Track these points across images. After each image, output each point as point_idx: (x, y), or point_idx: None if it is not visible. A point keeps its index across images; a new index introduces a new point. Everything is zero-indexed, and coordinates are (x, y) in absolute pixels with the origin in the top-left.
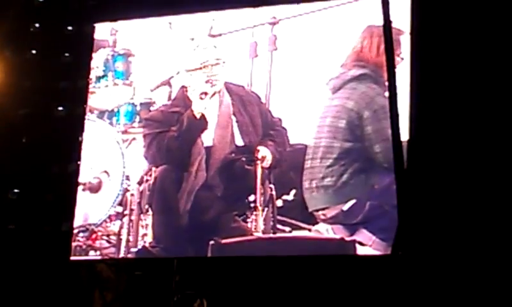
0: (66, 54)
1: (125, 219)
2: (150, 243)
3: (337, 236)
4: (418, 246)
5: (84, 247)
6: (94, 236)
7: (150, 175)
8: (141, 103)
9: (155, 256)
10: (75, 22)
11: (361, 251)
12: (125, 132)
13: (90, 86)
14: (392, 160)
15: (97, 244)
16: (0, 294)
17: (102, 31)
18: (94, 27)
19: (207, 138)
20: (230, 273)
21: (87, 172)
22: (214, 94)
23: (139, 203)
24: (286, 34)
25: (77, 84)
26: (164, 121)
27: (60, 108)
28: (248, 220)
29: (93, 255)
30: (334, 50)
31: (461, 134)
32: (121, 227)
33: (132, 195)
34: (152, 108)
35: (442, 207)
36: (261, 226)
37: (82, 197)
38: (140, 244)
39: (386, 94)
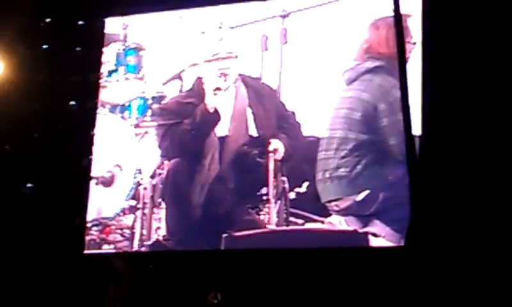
0: (78, 48)
1: (138, 213)
2: (163, 236)
3: (350, 228)
4: (431, 238)
5: (97, 240)
6: (107, 230)
7: (163, 168)
8: (152, 97)
9: (168, 249)
10: (86, 17)
11: (374, 242)
12: (137, 125)
13: (102, 80)
14: None
15: (111, 237)
16: (15, 288)
17: (113, 25)
18: (104, 22)
19: (221, 129)
20: (243, 266)
21: (100, 166)
22: (227, 88)
23: (152, 197)
24: (297, 27)
25: (89, 78)
26: (179, 111)
27: (72, 102)
28: (261, 213)
29: (106, 249)
30: (345, 42)
31: (476, 126)
32: (134, 220)
33: (145, 188)
34: (163, 102)
35: (456, 199)
36: (274, 219)
37: (95, 192)
38: (153, 238)
39: None
